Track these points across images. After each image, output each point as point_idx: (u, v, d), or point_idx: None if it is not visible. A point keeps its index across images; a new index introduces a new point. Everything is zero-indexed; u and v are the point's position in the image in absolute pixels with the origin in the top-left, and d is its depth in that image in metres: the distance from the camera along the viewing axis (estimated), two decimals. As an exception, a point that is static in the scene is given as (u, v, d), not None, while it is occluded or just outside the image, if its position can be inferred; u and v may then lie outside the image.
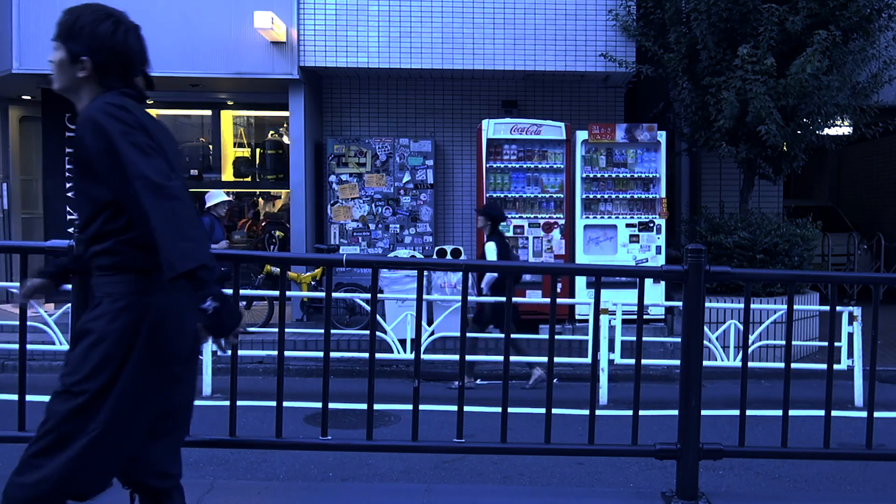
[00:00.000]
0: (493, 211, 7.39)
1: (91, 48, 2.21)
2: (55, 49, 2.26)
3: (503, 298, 6.93)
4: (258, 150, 11.03)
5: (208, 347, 6.72)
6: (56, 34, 2.25)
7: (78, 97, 2.28)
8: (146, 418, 2.26)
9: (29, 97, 10.33)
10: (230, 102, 10.76)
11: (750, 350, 6.42)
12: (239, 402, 3.62)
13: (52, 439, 2.14)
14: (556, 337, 4.31)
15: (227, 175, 11.08)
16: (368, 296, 4.33)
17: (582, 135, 8.88)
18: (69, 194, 9.74)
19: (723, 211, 9.36)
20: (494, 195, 8.92)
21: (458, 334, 5.20)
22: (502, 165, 8.93)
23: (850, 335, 6.87)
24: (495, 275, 6.95)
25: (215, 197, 8.49)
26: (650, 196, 8.86)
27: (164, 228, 2.02)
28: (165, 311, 2.20)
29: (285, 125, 10.43)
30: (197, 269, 2.02)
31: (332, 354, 6.20)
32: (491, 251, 7.07)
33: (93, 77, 2.23)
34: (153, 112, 11.57)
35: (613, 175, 8.89)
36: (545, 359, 3.84)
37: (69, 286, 3.06)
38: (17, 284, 3.70)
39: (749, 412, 3.73)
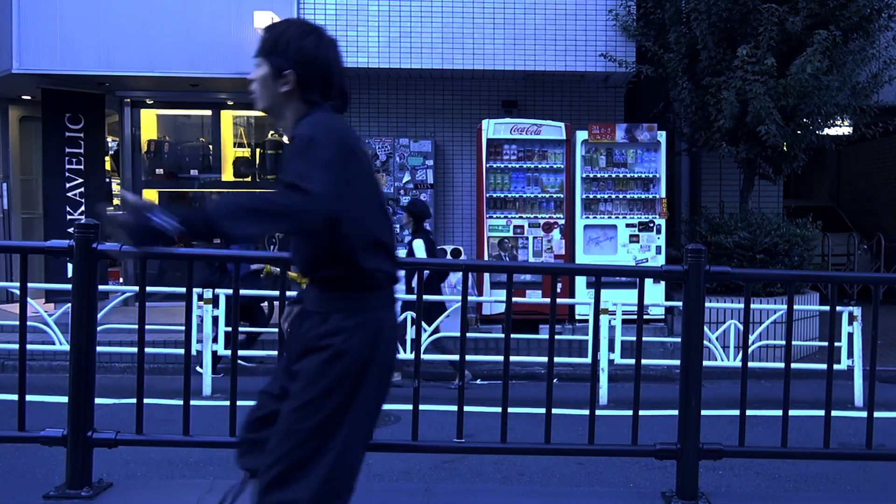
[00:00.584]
0: (417, 208, 7.44)
1: (295, 61, 2.19)
2: (257, 66, 2.27)
3: (434, 297, 6.97)
4: (258, 150, 11.04)
5: (208, 347, 6.72)
6: (258, 50, 2.26)
7: (280, 114, 2.26)
8: (373, 430, 2.28)
9: (29, 97, 10.33)
10: (230, 102, 10.76)
11: (750, 350, 6.42)
12: (239, 402, 3.62)
13: (296, 459, 2.09)
14: (556, 337, 4.31)
15: (227, 175, 11.08)
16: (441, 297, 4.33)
17: (582, 135, 8.88)
18: (69, 194, 9.74)
19: (723, 211, 9.35)
20: (494, 195, 8.91)
21: (458, 334, 5.19)
22: (502, 165, 8.93)
23: (850, 335, 6.87)
24: (425, 272, 6.90)
25: None
26: (650, 196, 8.85)
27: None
28: (391, 326, 2.23)
29: (285, 125, 10.42)
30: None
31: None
32: (420, 249, 7.09)
33: (295, 92, 2.21)
34: (153, 112, 11.59)
35: (613, 175, 8.89)
36: (545, 358, 3.85)
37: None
38: (17, 284, 3.70)
39: (749, 412, 3.74)
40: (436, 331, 7.18)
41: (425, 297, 6.86)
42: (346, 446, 2.12)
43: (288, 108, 2.23)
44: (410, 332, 7.13)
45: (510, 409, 3.60)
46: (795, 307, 4.07)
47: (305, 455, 2.08)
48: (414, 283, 7.25)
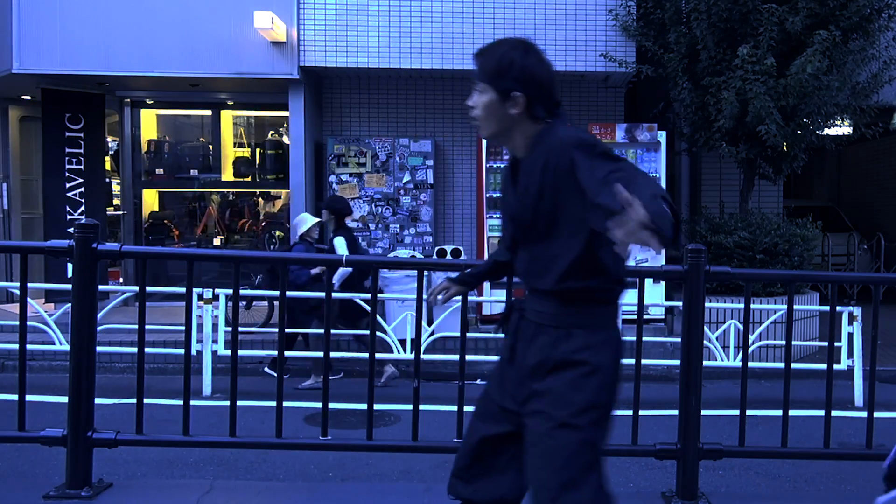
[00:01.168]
0: (337, 205, 7.43)
1: (522, 82, 2.16)
2: (479, 93, 2.22)
3: (355, 294, 6.92)
4: (258, 150, 11.03)
5: (208, 347, 6.72)
6: (480, 76, 2.22)
7: (510, 137, 2.22)
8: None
9: (29, 97, 10.33)
10: (230, 102, 10.76)
11: (750, 350, 6.42)
12: (239, 402, 3.62)
13: (567, 478, 2.05)
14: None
15: (227, 175, 11.08)
16: (368, 296, 4.33)
17: (582, 135, 8.87)
18: (69, 194, 9.74)
19: (723, 211, 9.35)
20: (495, 195, 8.91)
21: (458, 334, 5.20)
22: (502, 165, 8.93)
23: (850, 335, 6.87)
24: (349, 270, 6.83)
25: (306, 222, 7.71)
26: (650, 196, 8.84)
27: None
28: (623, 341, 2.25)
29: (285, 125, 10.43)
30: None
31: (333, 354, 6.20)
32: (341, 246, 7.05)
33: (524, 112, 2.17)
34: (153, 112, 11.57)
35: (613, 175, 8.87)
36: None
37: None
38: (17, 284, 3.70)
39: (749, 412, 3.74)
40: (361, 339, 7.09)
41: (342, 295, 6.82)
42: (603, 461, 2.12)
43: (517, 130, 2.20)
44: (410, 332, 7.13)
45: (510, 409, 3.58)
46: (795, 307, 4.08)
47: (578, 472, 2.05)
48: (333, 279, 7.18)
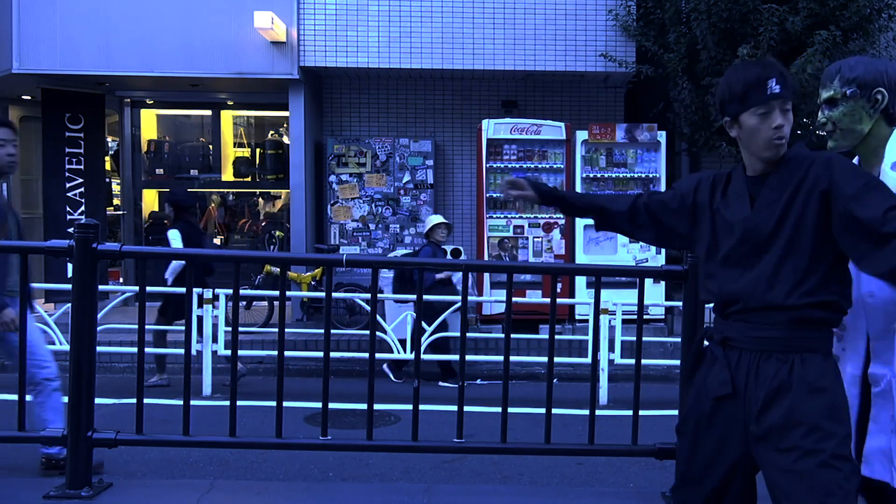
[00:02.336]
0: (176, 198, 7.46)
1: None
2: (786, 111, 2.21)
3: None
4: (258, 150, 11.04)
5: (208, 347, 6.72)
6: (791, 94, 2.22)
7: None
8: None
9: (29, 97, 10.33)
10: (230, 102, 10.76)
11: (750, 350, 6.40)
12: (239, 402, 3.62)
13: None
14: (556, 337, 4.31)
15: (227, 175, 11.09)
16: (368, 296, 4.33)
17: (582, 135, 8.88)
18: (69, 194, 9.74)
19: (723, 211, 9.35)
20: (494, 195, 8.92)
21: (458, 334, 5.20)
22: (502, 165, 8.93)
23: (850, 335, 6.86)
24: (182, 263, 6.70)
25: (429, 223, 7.65)
26: (650, 196, 8.85)
27: None
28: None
29: (285, 125, 10.43)
30: None
31: (332, 354, 6.19)
32: (175, 239, 7.02)
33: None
34: (153, 112, 11.57)
35: (613, 175, 8.89)
36: (545, 358, 3.84)
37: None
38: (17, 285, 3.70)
39: (749, 412, 3.72)
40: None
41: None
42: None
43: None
44: (410, 332, 7.13)
45: (510, 409, 3.60)
46: (795, 307, 4.06)
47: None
48: (165, 275, 7.17)
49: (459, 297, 4.44)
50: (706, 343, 2.32)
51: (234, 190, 11.41)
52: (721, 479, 2.19)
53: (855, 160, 2.45)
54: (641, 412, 3.63)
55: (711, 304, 2.32)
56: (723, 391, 2.16)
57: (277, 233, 10.81)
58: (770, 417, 2.07)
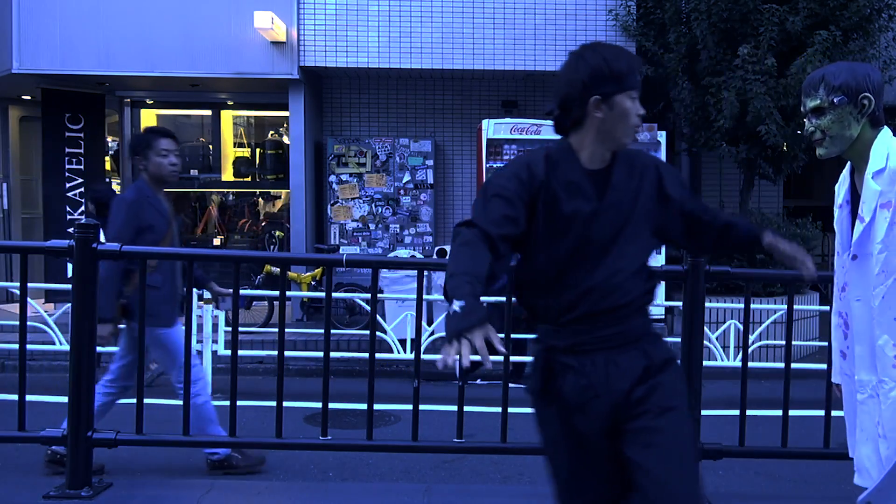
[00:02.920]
0: (99, 195, 7.44)
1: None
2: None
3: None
4: (258, 150, 11.03)
5: (208, 347, 6.72)
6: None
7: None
8: None
9: (29, 97, 10.32)
10: (230, 102, 10.76)
11: (750, 350, 6.41)
12: (239, 402, 3.62)
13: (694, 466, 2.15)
14: (556, 337, 4.31)
15: (227, 175, 11.08)
16: (368, 296, 4.33)
17: (582, 135, 8.87)
18: (69, 194, 9.74)
19: (723, 211, 9.35)
20: (494, 195, 8.91)
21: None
22: (502, 165, 8.91)
23: (850, 335, 6.85)
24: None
25: None
26: (650, 196, 8.84)
27: None
28: None
29: (285, 125, 10.43)
30: None
31: (332, 354, 6.19)
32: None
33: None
34: (153, 112, 11.53)
35: (613, 175, 8.87)
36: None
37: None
38: (17, 284, 3.70)
39: (749, 412, 3.74)
40: None
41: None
42: None
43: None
44: (410, 332, 7.13)
45: (510, 409, 3.60)
46: (795, 307, 4.07)
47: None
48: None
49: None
50: (543, 357, 2.18)
51: (234, 190, 11.41)
52: (598, 483, 2.19)
53: (847, 166, 2.53)
54: (641, 412, 3.62)
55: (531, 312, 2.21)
56: (586, 397, 2.10)
57: (277, 233, 10.81)
58: (643, 402, 2.09)
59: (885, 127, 2.39)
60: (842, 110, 2.36)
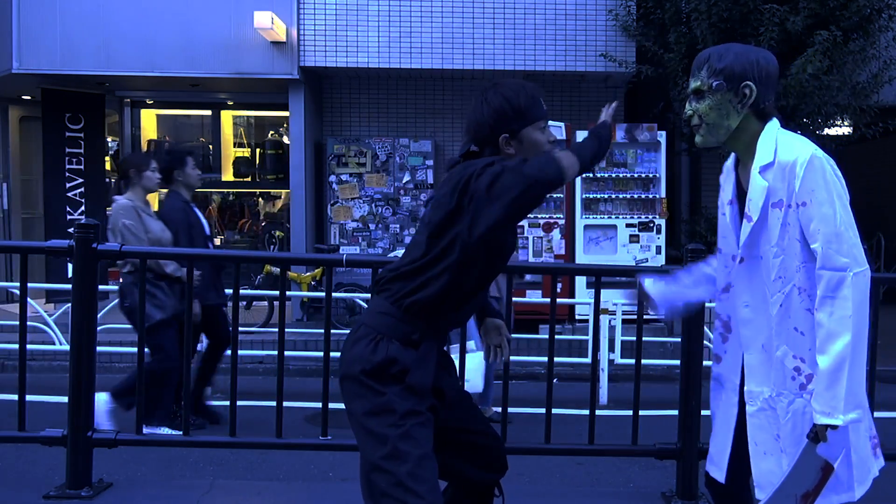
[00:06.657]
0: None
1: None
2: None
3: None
4: (258, 150, 11.04)
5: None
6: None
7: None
8: None
9: (29, 97, 10.33)
10: (230, 102, 10.76)
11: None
12: (239, 402, 3.62)
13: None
14: (556, 337, 4.31)
15: (227, 175, 11.09)
16: (368, 296, 4.34)
17: (582, 135, 8.85)
18: (69, 194, 9.74)
19: (723, 211, 9.35)
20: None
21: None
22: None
23: (850, 335, 6.85)
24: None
25: None
26: (650, 196, 8.86)
27: None
28: None
29: (285, 125, 10.43)
30: None
31: (332, 354, 6.19)
32: None
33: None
34: (153, 112, 11.54)
35: (613, 175, 8.89)
36: (545, 358, 3.85)
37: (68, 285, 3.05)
38: (17, 284, 3.70)
39: (749, 412, 3.72)
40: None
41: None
42: None
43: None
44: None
45: (510, 409, 3.60)
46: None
47: None
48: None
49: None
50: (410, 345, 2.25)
51: (234, 190, 11.41)
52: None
53: (731, 157, 2.30)
54: (641, 412, 3.63)
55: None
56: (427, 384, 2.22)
57: (277, 233, 10.81)
58: (452, 392, 2.37)
59: (774, 118, 2.15)
60: (721, 97, 2.12)
